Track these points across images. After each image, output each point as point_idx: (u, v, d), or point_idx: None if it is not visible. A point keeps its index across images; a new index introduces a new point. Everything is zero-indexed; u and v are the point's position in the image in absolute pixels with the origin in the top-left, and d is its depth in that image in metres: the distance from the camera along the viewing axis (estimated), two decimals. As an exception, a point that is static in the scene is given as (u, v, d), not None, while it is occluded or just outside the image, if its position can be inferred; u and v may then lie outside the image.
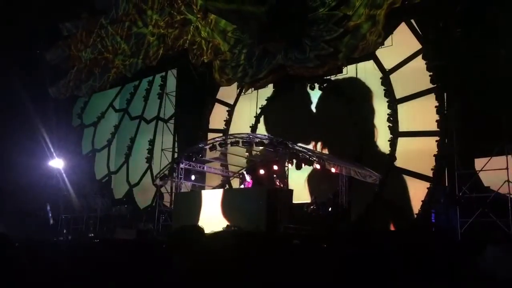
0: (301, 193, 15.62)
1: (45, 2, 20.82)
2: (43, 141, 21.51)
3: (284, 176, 14.28)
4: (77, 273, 3.29)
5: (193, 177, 17.38)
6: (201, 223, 14.22)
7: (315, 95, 17.30)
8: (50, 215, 19.21)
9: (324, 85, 16.82)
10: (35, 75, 22.33)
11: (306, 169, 14.18)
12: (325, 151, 16.17)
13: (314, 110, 17.34)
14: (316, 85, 16.98)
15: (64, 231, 19.92)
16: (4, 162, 20.52)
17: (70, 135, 24.64)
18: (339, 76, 16.47)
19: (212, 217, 14.05)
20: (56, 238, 17.69)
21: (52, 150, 21.71)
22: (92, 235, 18.77)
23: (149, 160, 21.45)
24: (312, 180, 16.22)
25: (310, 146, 16.23)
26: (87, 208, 20.26)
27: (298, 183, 15.42)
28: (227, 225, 13.05)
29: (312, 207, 14.76)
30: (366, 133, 15.78)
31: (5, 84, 20.89)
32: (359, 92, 16.13)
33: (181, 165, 16.48)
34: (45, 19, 21.62)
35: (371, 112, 15.82)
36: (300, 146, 14.07)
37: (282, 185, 14.56)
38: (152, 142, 21.69)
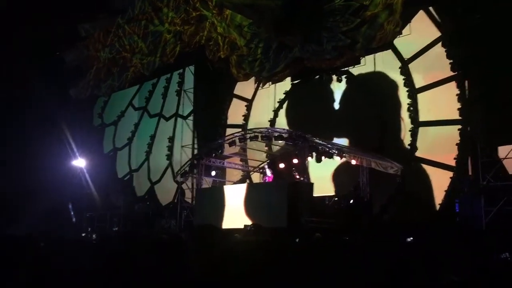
0: (322, 186, 15.55)
1: (62, 4, 21.07)
2: (66, 141, 21.87)
3: (304, 170, 14.22)
4: (100, 268, 3.33)
5: (213, 173, 17.45)
6: (224, 219, 14.32)
7: (334, 87, 17.17)
8: (72, 213, 19.53)
9: (342, 76, 16.67)
10: (56, 77, 22.67)
11: (327, 162, 14.07)
12: (345, 143, 16.04)
13: (333, 102, 17.20)
14: (334, 77, 16.85)
15: (89, 229, 20.25)
16: (29, 162, 20.93)
17: (91, 135, 25.00)
18: (358, 67, 16.31)
19: (234, 212, 14.11)
20: (80, 235, 17.97)
21: (75, 150, 22.04)
22: (116, 228, 19.06)
23: (169, 157, 21.61)
24: (333, 173, 16.14)
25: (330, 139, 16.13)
26: (109, 206, 20.55)
27: (319, 176, 15.32)
28: (245, 225, 13.06)
29: (333, 200, 14.70)
30: (386, 124, 15.61)
31: (29, 87, 21.28)
32: (378, 82, 15.94)
33: (201, 161, 16.56)
34: (63, 20, 21.90)
35: (391, 102, 15.63)
36: (320, 139, 13.98)
37: (302, 179, 14.51)
38: (171, 139, 21.85)
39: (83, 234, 18.87)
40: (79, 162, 22.09)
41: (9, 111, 21.66)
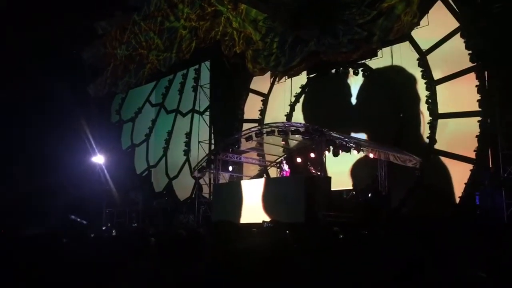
0: (339, 180, 15.48)
1: (79, 2, 21.25)
2: (86, 138, 22.12)
3: (320, 164, 14.16)
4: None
5: (230, 168, 17.50)
6: (242, 214, 14.36)
7: (350, 80, 17.05)
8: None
9: (359, 69, 16.53)
10: (74, 75, 22.91)
11: (345, 156, 13.98)
12: (363, 137, 15.93)
13: (350, 96, 17.09)
14: (351, 70, 16.73)
15: (108, 224, 20.48)
16: (51, 160, 21.24)
17: (110, 132, 25.26)
18: (375, 60, 16.15)
19: (252, 207, 14.14)
20: (99, 231, 18.19)
21: (94, 146, 22.29)
22: (135, 224, 19.22)
23: (187, 152, 21.73)
24: (351, 167, 16.05)
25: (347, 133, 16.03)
26: (128, 202, 20.75)
27: (337, 170, 15.22)
28: (263, 221, 13.06)
29: (351, 194, 14.63)
30: (404, 117, 15.45)
31: (47, 86, 21.54)
32: (395, 76, 15.76)
33: (218, 157, 16.61)
34: (80, 18, 22.10)
35: (409, 96, 15.46)
36: (337, 133, 13.91)
37: (318, 173, 14.46)
38: (188, 135, 21.96)
39: (104, 228, 19.09)
40: (98, 159, 22.34)
41: (28, 109, 21.99)
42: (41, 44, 21.36)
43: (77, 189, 20.68)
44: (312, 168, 14.98)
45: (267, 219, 12.96)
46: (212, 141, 20.53)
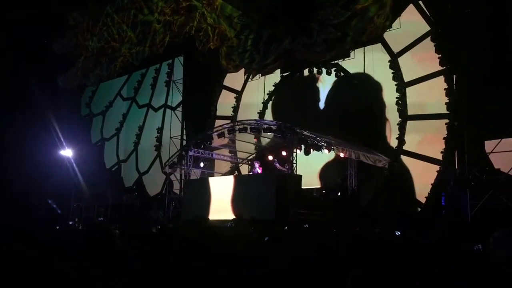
0: (310, 179, 15.61)
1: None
2: (54, 130, 21.65)
3: (287, 161, 14.25)
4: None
5: (202, 164, 17.42)
6: (211, 210, 14.32)
7: (325, 78, 17.21)
8: (55, 206, 19.35)
9: (333, 69, 16.70)
10: (44, 65, 22.41)
11: (316, 155, 14.11)
12: (334, 137, 16.09)
13: (322, 95, 17.25)
14: (324, 70, 16.88)
15: (76, 219, 20.12)
16: (15, 152, 20.72)
17: (79, 125, 24.78)
18: (347, 61, 16.34)
19: (222, 204, 14.11)
20: (66, 225, 17.86)
21: (62, 139, 21.85)
22: (102, 219, 18.93)
23: (158, 148, 21.53)
24: (322, 166, 16.20)
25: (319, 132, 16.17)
26: (97, 196, 20.43)
27: (307, 169, 15.33)
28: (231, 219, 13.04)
29: (321, 192, 14.77)
30: (374, 117, 15.67)
31: (16, 76, 21.01)
32: (366, 76, 15.98)
33: (190, 153, 16.52)
34: (51, 8, 21.61)
35: (379, 96, 15.70)
36: (309, 132, 14.01)
37: (285, 170, 14.56)
38: (160, 130, 21.76)
39: (70, 223, 18.73)
40: (67, 152, 21.90)
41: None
42: (10, 32, 20.79)
43: (46, 180, 20.28)
44: (281, 166, 15.04)
45: (235, 216, 12.97)
46: (184, 137, 20.40)
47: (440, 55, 14.20)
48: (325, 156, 14.93)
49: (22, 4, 19.91)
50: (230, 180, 15.09)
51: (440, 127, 14.02)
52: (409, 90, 14.99)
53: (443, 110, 14.03)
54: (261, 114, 18.40)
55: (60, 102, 22.78)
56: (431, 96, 14.43)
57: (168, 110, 21.66)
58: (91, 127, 25.24)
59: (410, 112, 14.87)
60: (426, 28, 14.66)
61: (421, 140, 14.55)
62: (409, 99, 14.95)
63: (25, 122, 21.40)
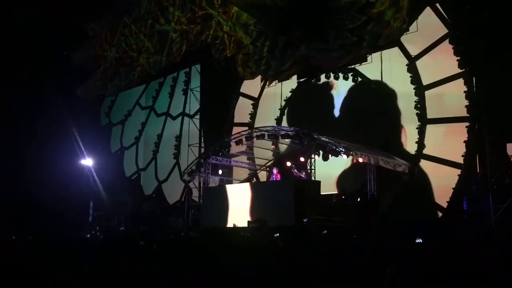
0: (329, 185, 15.52)
1: (70, 4, 21.14)
2: (74, 140, 21.97)
3: (304, 167, 14.20)
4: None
5: (220, 172, 17.45)
6: (230, 217, 14.34)
7: (340, 85, 17.14)
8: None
9: (350, 74, 16.62)
10: (64, 76, 22.77)
11: (335, 161, 14.01)
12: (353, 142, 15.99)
13: (339, 101, 17.18)
14: (341, 75, 16.81)
15: (97, 227, 20.31)
16: (39, 162, 21.11)
17: (99, 134, 25.09)
18: (364, 65, 16.25)
19: (240, 211, 14.12)
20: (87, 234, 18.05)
21: (83, 149, 22.14)
22: (123, 228, 19.07)
23: (177, 156, 21.66)
24: (341, 171, 16.10)
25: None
26: (117, 205, 20.60)
27: (325, 175, 15.24)
28: (248, 222, 13.08)
29: (340, 198, 14.65)
30: (393, 122, 15.54)
31: (37, 87, 21.41)
32: (382, 84, 15.87)
33: (208, 160, 16.58)
34: (70, 20, 21.99)
35: (394, 103, 15.58)
36: (327, 137, 13.95)
37: (302, 176, 14.50)
38: (178, 138, 21.90)
39: (92, 232, 18.93)
40: (87, 161, 22.17)
41: (18, 111, 21.83)
42: (31, 45, 21.21)
43: (66, 189, 20.56)
44: (299, 172, 14.98)
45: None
46: (202, 145, 20.48)
47: (458, 57, 14.03)
48: (343, 162, 14.84)
49: (41, 17, 20.30)
50: (248, 187, 15.10)
51: (460, 131, 13.83)
52: (428, 94, 14.83)
53: (463, 113, 13.84)
54: (279, 120, 18.39)
55: (80, 112, 23.13)
56: (451, 99, 14.25)
57: (186, 118, 21.80)
58: (111, 136, 25.52)
59: (430, 115, 14.70)
60: (444, 30, 14.51)
61: (442, 144, 14.36)
62: (428, 103, 14.78)
63: (47, 132, 21.77)
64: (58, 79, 21.73)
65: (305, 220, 12.43)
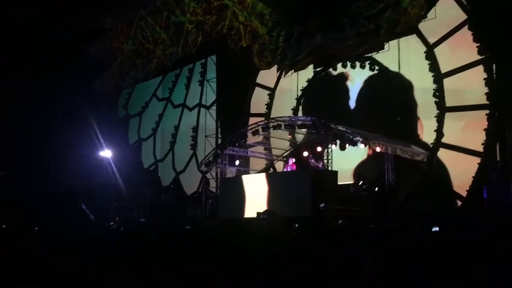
0: (346, 174, 15.43)
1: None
2: (93, 133, 22.22)
3: (324, 157, 14.13)
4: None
5: (237, 162, 17.49)
6: (247, 208, 14.39)
7: (355, 77, 16.99)
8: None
9: (366, 63, 16.43)
10: (81, 70, 23.00)
11: (352, 150, 13.91)
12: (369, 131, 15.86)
13: (356, 89, 17.02)
14: (358, 64, 16.63)
15: (116, 218, 20.56)
16: (60, 154, 21.48)
17: (117, 126, 25.34)
18: (381, 53, 16.05)
19: (257, 201, 14.13)
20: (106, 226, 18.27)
21: (101, 141, 22.39)
22: (143, 220, 19.25)
23: (194, 147, 21.77)
24: (358, 160, 16.00)
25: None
26: (136, 196, 20.81)
27: (342, 165, 15.15)
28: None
29: (358, 187, 14.57)
30: (409, 114, 15.35)
31: (56, 81, 21.68)
32: (398, 75, 15.66)
33: (225, 151, 16.62)
34: (87, 13, 22.14)
35: (410, 94, 15.37)
36: (344, 127, 13.85)
37: (319, 166, 14.44)
38: (195, 129, 21.99)
39: (111, 223, 19.15)
40: (106, 153, 22.42)
41: (35, 105, 22.17)
42: (48, 39, 21.44)
43: (87, 181, 20.86)
44: (317, 162, 14.91)
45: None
46: (219, 136, 20.54)
47: (478, 44, 13.75)
48: (360, 152, 14.74)
49: (58, 11, 20.48)
50: (260, 178, 15.10)
51: (480, 118, 13.59)
52: (446, 81, 14.59)
53: (483, 100, 13.59)
54: (295, 110, 18.32)
55: (98, 104, 23.36)
56: (470, 87, 14.00)
57: (202, 109, 21.87)
58: (128, 128, 25.74)
59: (448, 103, 14.48)
60: (463, 16, 14.22)
61: (461, 132, 14.15)
62: (447, 91, 14.55)
63: (67, 125, 22.08)
64: (75, 72, 21.95)
65: (322, 205, 12.35)
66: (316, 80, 18.06)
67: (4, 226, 14.74)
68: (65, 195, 19.91)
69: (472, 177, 13.44)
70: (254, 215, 13.15)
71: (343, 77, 17.28)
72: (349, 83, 17.23)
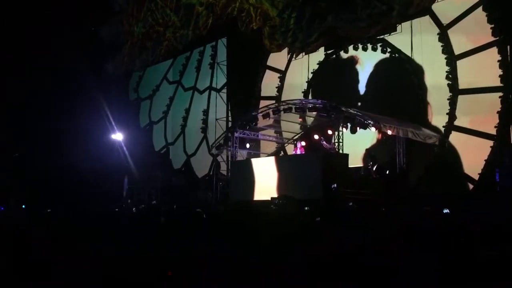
0: (357, 157, 15.40)
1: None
2: (105, 115, 22.36)
3: (334, 140, 14.09)
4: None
5: (247, 145, 17.52)
6: (257, 191, 14.43)
7: (364, 60, 16.82)
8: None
9: (379, 45, 16.25)
10: (92, 52, 23.06)
11: (363, 132, 13.85)
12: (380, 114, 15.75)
13: (367, 72, 16.87)
14: (369, 46, 16.44)
15: (129, 201, 20.78)
16: (74, 138, 21.72)
17: (128, 109, 25.45)
18: (393, 35, 15.85)
19: (267, 184, 14.16)
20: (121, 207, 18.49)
21: (113, 124, 22.53)
22: (155, 202, 19.44)
23: (204, 130, 21.82)
24: (369, 143, 15.94)
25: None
26: (148, 179, 20.99)
27: (353, 148, 15.11)
28: (271, 198, 13.06)
29: (369, 170, 14.53)
30: (423, 92, 15.21)
31: (68, 64, 21.79)
32: (409, 59, 15.47)
33: (236, 134, 16.64)
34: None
35: (421, 79, 15.20)
36: (355, 109, 13.77)
37: (330, 147, 14.40)
38: (206, 112, 22.01)
39: (123, 206, 19.38)
40: (117, 136, 22.57)
41: (46, 88, 22.33)
42: (60, 22, 21.47)
43: (99, 162, 21.10)
44: (328, 143, 14.85)
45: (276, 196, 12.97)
46: (230, 119, 20.54)
47: (492, 25, 13.52)
48: (370, 136, 14.67)
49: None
50: (269, 161, 15.12)
51: (493, 101, 13.44)
52: (460, 63, 14.40)
53: (497, 83, 13.42)
54: (306, 93, 18.24)
55: (109, 88, 23.45)
56: (484, 69, 13.82)
57: (213, 92, 21.85)
58: (139, 111, 25.84)
59: (462, 86, 14.31)
60: (477, -3, 13.98)
61: (474, 115, 14.00)
62: (460, 73, 14.38)
63: (78, 109, 22.26)
64: (86, 55, 22.01)
65: (333, 185, 12.37)
66: (327, 63, 17.93)
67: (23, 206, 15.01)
68: (78, 175, 20.17)
69: (485, 160, 13.35)
70: (265, 198, 13.19)
71: (353, 61, 17.13)
72: (358, 67, 17.09)
